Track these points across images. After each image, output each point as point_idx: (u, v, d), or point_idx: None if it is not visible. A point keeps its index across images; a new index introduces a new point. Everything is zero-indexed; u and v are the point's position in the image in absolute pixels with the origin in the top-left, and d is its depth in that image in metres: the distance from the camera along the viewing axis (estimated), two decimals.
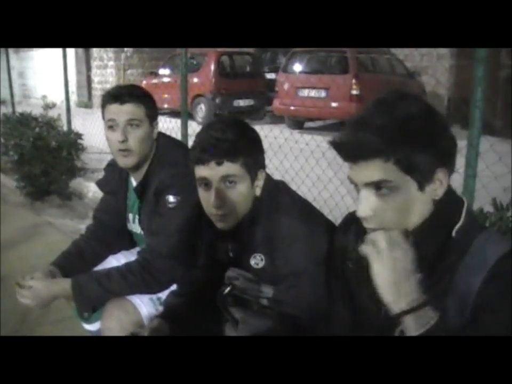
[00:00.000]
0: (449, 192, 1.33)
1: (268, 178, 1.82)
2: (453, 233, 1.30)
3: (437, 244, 1.31)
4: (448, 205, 1.32)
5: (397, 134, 1.23)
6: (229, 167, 1.67)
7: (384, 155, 1.23)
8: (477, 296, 1.23)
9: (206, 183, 1.70)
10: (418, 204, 1.29)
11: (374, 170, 1.25)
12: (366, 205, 1.28)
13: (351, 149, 1.27)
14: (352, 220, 1.50)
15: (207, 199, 1.72)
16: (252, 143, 1.76)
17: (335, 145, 1.31)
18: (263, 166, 1.79)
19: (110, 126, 2.18)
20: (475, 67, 2.55)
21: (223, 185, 1.69)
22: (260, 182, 1.77)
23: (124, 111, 2.16)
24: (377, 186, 1.26)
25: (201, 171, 1.70)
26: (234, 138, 1.68)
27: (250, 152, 1.73)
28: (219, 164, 1.66)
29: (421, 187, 1.27)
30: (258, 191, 1.77)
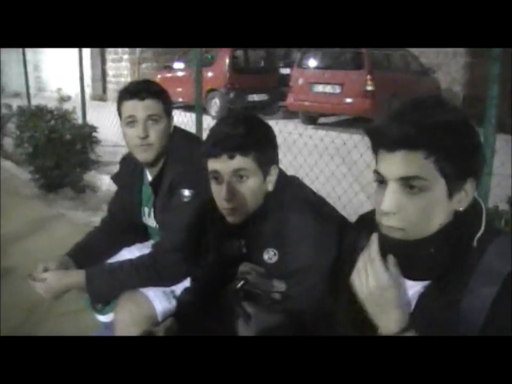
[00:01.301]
0: (475, 203, 1.32)
1: (281, 173, 1.82)
2: (474, 243, 1.27)
3: (456, 253, 1.28)
4: (470, 215, 1.30)
5: (441, 134, 1.21)
6: (241, 161, 1.68)
7: (427, 150, 1.21)
8: (486, 320, 1.22)
9: (218, 177, 1.71)
10: (442, 211, 1.26)
11: (412, 163, 1.22)
12: (394, 200, 1.24)
13: (394, 137, 1.23)
14: (364, 223, 1.48)
15: (218, 192, 1.72)
16: (265, 138, 1.76)
17: (374, 131, 1.30)
18: (276, 162, 1.79)
19: (129, 122, 2.18)
20: (490, 64, 2.53)
21: (235, 179, 1.69)
22: (272, 177, 1.77)
23: (143, 107, 2.16)
24: (409, 183, 1.23)
25: (213, 164, 1.70)
26: (246, 132, 1.68)
27: (263, 147, 1.73)
28: (231, 157, 1.67)
29: (450, 194, 1.25)
30: (270, 187, 1.77)
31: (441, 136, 1.21)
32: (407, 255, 1.30)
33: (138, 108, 2.16)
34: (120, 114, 2.23)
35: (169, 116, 2.25)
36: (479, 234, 1.28)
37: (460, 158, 1.23)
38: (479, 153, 1.28)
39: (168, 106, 2.24)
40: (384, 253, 1.33)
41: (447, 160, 1.22)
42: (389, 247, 1.30)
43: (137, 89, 2.18)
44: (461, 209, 1.28)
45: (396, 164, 1.24)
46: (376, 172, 1.30)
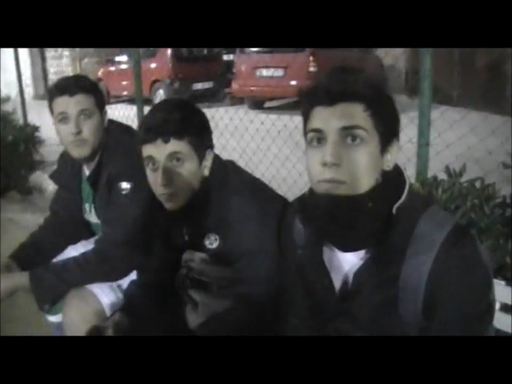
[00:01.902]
0: (396, 169, 1.36)
1: (217, 158, 1.83)
2: (393, 210, 1.30)
3: (378, 219, 1.30)
4: (393, 181, 1.34)
5: (375, 91, 1.29)
6: (176, 145, 1.68)
7: (365, 103, 1.26)
8: (428, 287, 1.25)
9: (153, 163, 1.70)
10: (376, 166, 1.30)
11: (352, 114, 1.26)
12: (336, 150, 1.25)
13: (335, 90, 1.27)
14: (298, 206, 1.49)
15: (154, 178, 1.71)
16: (199, 122, 1.77)
17: (311, 89, 1.32)
18: (211, 146, 1.80)
19: (61, 118, 2.15)
20: None
21: (170, 164, 1.69)
22: (207, 162, 1.78)
23: (74, 103, 2.13)
24: (351, 132, 1.25)
25: (148, 150, 1.70)
26: (180, 117, 1.69)
27: (197, 131, 1.74)
28: (165, 141, 1.67)
29: (382, 151, 1.30)
30: (206, 171, 1.77)
31: (375, 93, 1.28)
32: (345, 216, 1.29)
33: (69, 103, 2.13)
34: (52, 111, 2.19)
35: (102, 109, 2.23)
36: (399, 202, 1.30)
37: (387, 117, 1.30)
38: (399, 118, 1.35)
39: (100, 100, 2.22)
40: (319, 219, 1.34)
41: (380, 116, 1.27)
42: (326, 209, 1.29)
43: (67, 85, 2.16)
44: (388, 168, 1.32)
45: (336, 116, 1.26)
46: (313, 130, 1.30)
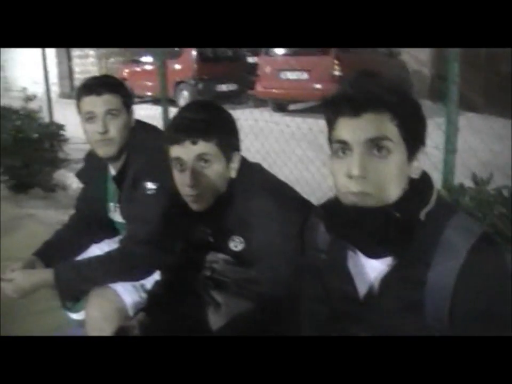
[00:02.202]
0: (423, 174, 1.35)
1: (244, 160, 1.83)
2: (421, 217, 1.29)
3: (405, 227, 1.28)
4: (420, 187, 1.32)
5: (401, 99, 1.26)
6: (204, 146, 1.68)
7: (391, 112, 1.24)
8: (454, 294, 1.23)
9: (181, 164, 1.71)
10: (403, 175, 1.28)
11: (378, 125, 1.23)
12: (362, 163, 1.23)
13: (360, 99, 1.24)
14: (323, 211, 1.48)
15: (182, 179, 1.72)
16: (226, 124, 1.78)
17: (336, 98, 1.30)
18: (237, 148, 1.80)
19: (88, 118, 2.16)
20: None
21: (198, 165, 1.70)
22: (234, 164, 1.78)
23: (101, 102, 2.14)
24: (377, 144, 1.23)
25: (176, 151, 1.70)
26: (208, 118, 1.70)
27: (225, 133, 1.74)
28: (194, 143, 1.67)
29: (409, 159, 1.28)
30: (233, 173, 1.78)
31: (401, 100, 1.25)
32: (371, 226, 1.28)
33: (97, 103, 2.14)
34: (79, 110, 2.21)
35: (128, 109, 2.24)
36: (428, 209, 1.30)
37: (415, 125, 1.29)
38: (425, 125, 1.33)
39: (127, 99, 2.23)
40: (346, 228, 1.33)
41: (406, 125, 1.25)
42: (352, 218, 1.29)
43: (95, 85, 2.17)
44: (416, 176, 1.31)
45: (361, 127, 1.24)
46: (338, 142, 1.28)
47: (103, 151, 2.20)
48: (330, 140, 1.32)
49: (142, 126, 2.36)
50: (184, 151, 1.69)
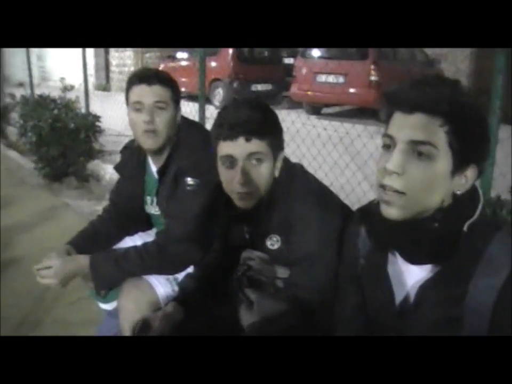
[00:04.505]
0: (470, 187, 1.31)
1: (286, 160, 1.83)
2: (465, 228, 1.27)
3: (446, 237, 1.28)
4: (465, 200, 1.30)
5: (459, 107, 1.22)
6: (257, 144, 1.68)
7: (443, 118, 1.21)
8: (495, 310, 1.22)
9: (231, 161, 1.70)
10: (443, 186, 1.26)
11: (426, 128, 1.22)
12: (400, 160, 1.23)
13: (415, 98, 1.24)
14: (364, 215, 1.48)
15: (231, 177, 1.71)
16: (276, 123, 1.78)
17: (394, 92, 1.30)
18: (283, 148, 1.80)
19: (136, 108, 2.16)
20: (497, 55, 2.53)
21: (249, 163, 1.69)
22: (279, 164, 1.78)
23: (151, 93, 2.15)
24: (418, 148, 1.22)
25: (228, 148, 1.69)
26: (262, 116, 1.70)
27: (275, 132, 1.75)
28: (248, 140, 1.67)
29: (453, 173, 1.25)
30: (277, 173, 1.78)
31: (458, 111, 1.22)
32: (410, 231, 1.29)
33: (146, 93, 2.14)
34: (127, 100, 2.22)
35: (176, 105, 2.24)
36: (471, 220, 1.27)
37: (469, 139, 1.24)
38: (486, 143, 1.29)
39: (176, 95, 2.23)
40: (387, 233, 1.34)
41: (458, 135, 1.22)
42: (390, 223, 1.29)
43: (146, 75, 2.18)
44: (458, 193, 1.28)
45: (410, 126, 1.24)
46: (386, 136, 1.29)
47: (147, 144, 2.19)
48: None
49: (186, 122, 2.37)
50: (237, 149, 1.68)
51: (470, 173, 1.27)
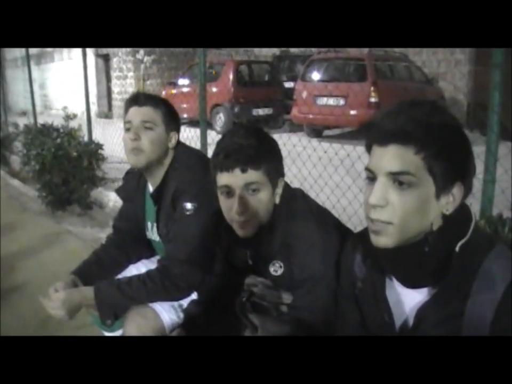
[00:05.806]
0: (462, 206, 1.31)
1: (286, 186, 1.84)
2: (457, 249, 1.27)
3: (439, 259, 1.28)
4: (456, 220, 1.30)
5: (433, 132, 1.22)
6: (253, 175, 1.69)
7: (418, 145, 1.21)
8: (493, 326, 1.22)
9: (228, 191, 1.71)
10: (431, 210, 1.26)
11: (402, 158, 1.22)
12: (381, 193, 1.24)
13: (387, 130, 1.24)
14: (360, 239, 1.50)
15: (229, 206, 1.72)
16: (274, 151, 1.78)
17: (369, 125, 1.31)
18: (282, 174, 1.81)
19: (127, 128, 2.25)
20: (492, 72, 2.55)
21: (246, 193, 1.70)
22: (279, 190, 1.79)
23: (139, 113, 2.23)
24: (398, 178, 1.23)
25: (224, 178, 1.70)
26: (257, 144, 1.70)
27: (272, 160, 1.75)
28: (243, 171, 1.68)
29: (438, 195, 1.25)
30: (277, 199, 1.78)
31: (432, 135, 1.22)
32: (403, 257, 1.31)
33: (135, 113, 2.24)
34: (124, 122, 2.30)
35: (168, 127, 2.28)
36: (463, 241, 1.28)
37: (449, 160, 1.24)
38: (469, 160, 1.28)
39: (168, 118, 2.28)
40: (382, 258, 1.36)
41: (436, 159, 1.22)
42: (384, 251, 1.30)
43: (138, 97, 2.28)
44: (447, 212, 1.28)
45: (386, 158, 1.25)
46: (367, 169, 1.30)
47: (132, 161, 2.25)
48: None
49: (184, 146, 2.40)
50: (233, 179, 1.69)
51: (457, 191, 1.27)
